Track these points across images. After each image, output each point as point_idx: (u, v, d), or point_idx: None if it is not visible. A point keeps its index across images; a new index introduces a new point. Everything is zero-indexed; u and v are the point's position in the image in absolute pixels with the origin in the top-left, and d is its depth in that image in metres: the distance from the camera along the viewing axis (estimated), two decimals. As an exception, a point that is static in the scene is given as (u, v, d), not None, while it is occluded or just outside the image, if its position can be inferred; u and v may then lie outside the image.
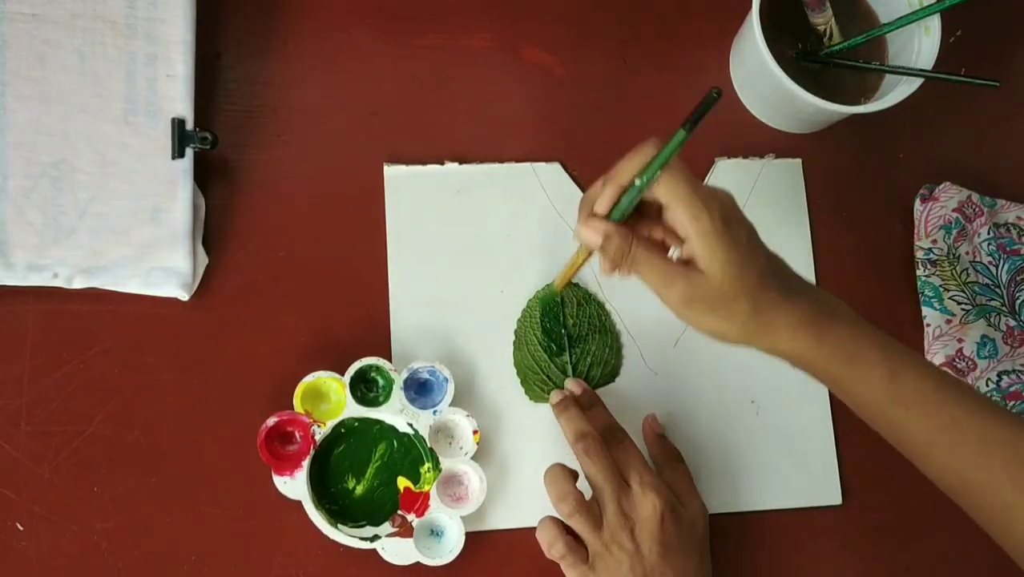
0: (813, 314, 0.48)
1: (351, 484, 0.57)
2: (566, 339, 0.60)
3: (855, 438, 0.62)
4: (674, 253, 0.50)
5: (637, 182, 0.47)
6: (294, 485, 0.54)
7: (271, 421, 0.54)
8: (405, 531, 0.55)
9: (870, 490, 0.61)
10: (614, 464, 0.53)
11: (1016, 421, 0.46)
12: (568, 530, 0.53)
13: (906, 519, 0.62)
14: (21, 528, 0.54)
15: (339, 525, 0.55)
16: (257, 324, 0.58)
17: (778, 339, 0.48)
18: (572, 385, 0.58)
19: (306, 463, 0.55)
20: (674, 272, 0.47)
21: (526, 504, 0.57)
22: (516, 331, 0.60)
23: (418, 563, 0.55)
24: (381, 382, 0.57)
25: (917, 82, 0.60)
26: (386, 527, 0.56)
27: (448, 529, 0.56)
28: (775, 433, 0.61)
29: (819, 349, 0.47)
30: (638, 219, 0.49)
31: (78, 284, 0.55)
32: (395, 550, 0.55)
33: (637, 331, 0.61)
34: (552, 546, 0.52)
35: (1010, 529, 0.45)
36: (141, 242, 0.55)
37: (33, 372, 0.55)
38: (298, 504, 0.55)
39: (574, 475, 0.54)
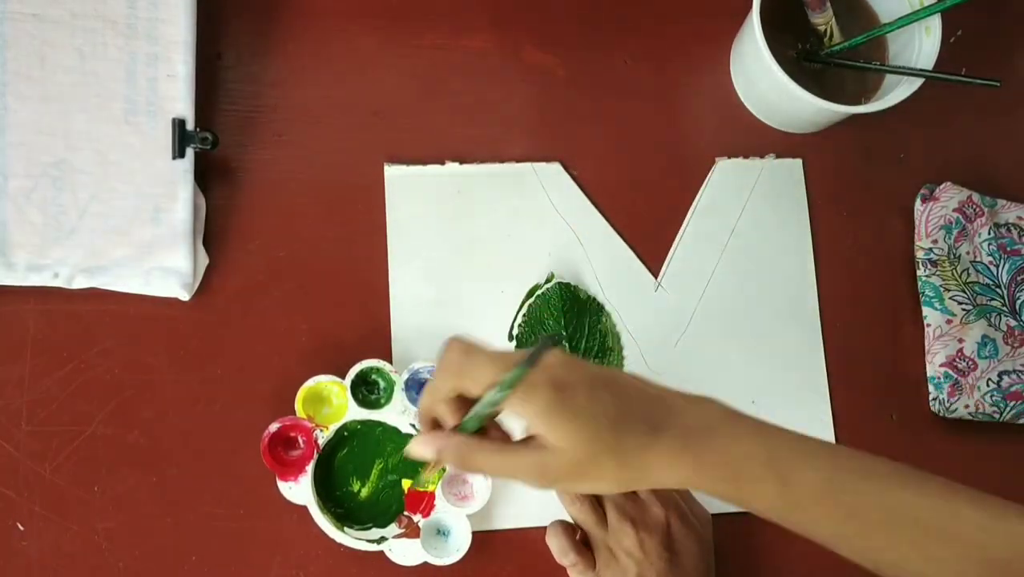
0: (683, 440, 0.44)
1: (356, 487, 0.57)
2: (565, 341, 0.60)
3: (855, 438, 0.62)
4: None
5: (479, 409, 0.43)
6: (299, 490, 0.54)
7: (274, 427, 0.54)
8: (412, 532, 0.55)
9: (870, 490, 0.61)
10: None
11: (921, 485, 0.44)
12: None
13: (906, 519, 0.62)
14: (22, 528, 0.54)
15: (345, 528, 0.55)
16: (257, 324, 0.58)
17: (659, 477, 0.44)
18: None
19: (310, 468, 0.55)
20: (523, 459, 0.43)
21: (532, 503, 0.56)
22: (517, 336, 0.60)
23: (425, 563, 0.55)
24: (382, 384, 0.57)
25: (917, 82, 0.60)
26: (392, 528, 0.56)
27: (454, 528, 0.56)
28: (775, 433, 0.61)
29: (701, 475, 0.44)
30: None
31: (79, 284, 0.55)
32: (402, 551, 0.55)
33: (637, 331, 0.61)
34: (564, 555, 0.54)
35: None
36: (141, 242, 0.55)
37: (34, 372, 0.55)
38: (299, 504, 0.55)
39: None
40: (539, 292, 0.60)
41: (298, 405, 0.55)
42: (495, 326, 0.60)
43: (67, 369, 0.55)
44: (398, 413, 0.56)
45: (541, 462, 0.43)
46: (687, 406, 0.45)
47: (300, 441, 0.56)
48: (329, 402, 0.56)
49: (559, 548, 0.54)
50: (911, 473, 0.45)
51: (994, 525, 0.42)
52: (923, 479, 0.44)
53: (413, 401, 0.56)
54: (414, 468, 0.57)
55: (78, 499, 0.54)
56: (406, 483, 0.57)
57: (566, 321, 0.60)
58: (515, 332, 0.60)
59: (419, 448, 0.45)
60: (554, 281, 0.61)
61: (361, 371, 0.56)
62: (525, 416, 0.43)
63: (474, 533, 0.55)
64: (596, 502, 0.54)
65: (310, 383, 0.55)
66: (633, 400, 0.44)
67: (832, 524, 0.44)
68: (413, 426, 0.56)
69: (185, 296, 0.56)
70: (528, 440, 0.44)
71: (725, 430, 0.45)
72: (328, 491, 0.56)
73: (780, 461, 0.44)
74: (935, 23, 0.60)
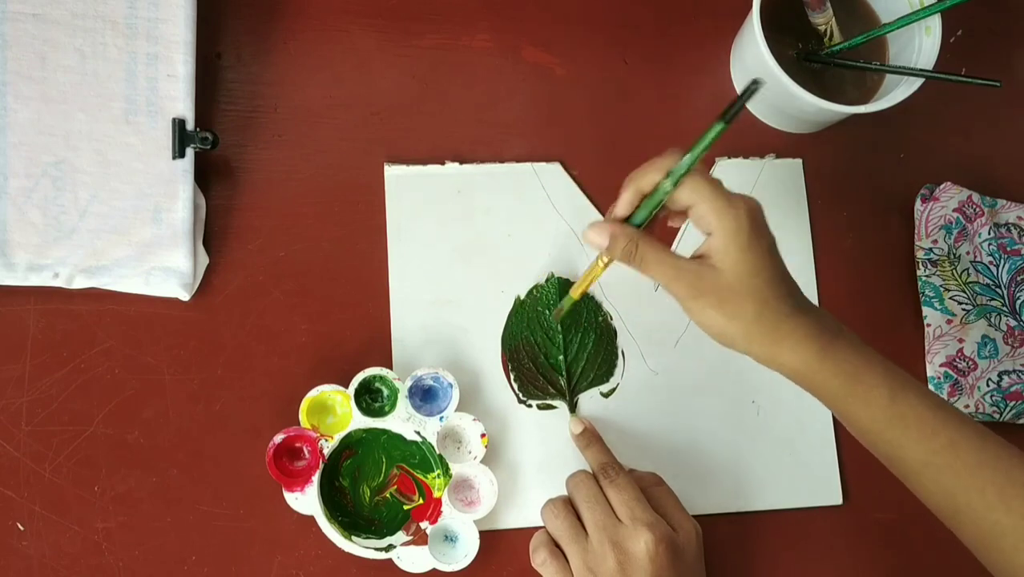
0: (818, 330, 0.48)
1: (362, 495, 0.57)
2: (561, 338, 0.60)
3: (855, 438, 0.62)
4: (678, 243, 0.51)
5: (665, 184, 0.47)
6: (305, 501, 0.54)
7: (279, 438, 0.54)
8: (420, 539, 0.55)
9: (870, 490, 0.61)
10: (604, 503, 0.52)
11: (1010, 447, 0.47)
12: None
13: (906, 519, 0.62)
14: (22, 528, 0.54)
15: (353, 537, 0.55)
16: (257, 324, 0.58)
17: (781, 349, 0.48)
18: (573, 425, 0.58)
19: (316, 478, 0.55)
20: (683, 266, 0.48)
21: (538, 502, 0.56)
22: (511, 331, 0.60)
23: (433, 570, 0.55)
24: (386, 392, 0.57)
25: (918, 82, 0.60)
26: (400, 536, 0.56)
27: (462, 534, 0.56)
28: (775, 433, 0.61)
29: (821, 364, 0.48)
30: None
31: (79, 284, 0.55)
32: (410, 558, 0.55)
33: (637, 331, 0.61)
34: (534, 552, 0.54)
35: (998, 549, 0.46)
36: (142, 242, 0.55)
37: (34, 372, 0.55)
38: (306, 514, 0.55)
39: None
40: (537, 287, 0.60)
41: (302, 416, 0.55)
42: (495, 326, 0.60)
43: (67, 369, 0.56)
44: (402, 420, 0.56)
45: (701, 277, 0.47)
46: (827, 313, 0.50)
47: (305, 451, 0.56)
48: (333, 411, 0.56)
49: (533, 544, 0.54)
50: (1010, 445, 0.48)
51: None
52: (1014, 448, 0.47)
53: (417, 408, 0.56)
54: (422, 474, 0.57)
55: (78, 499, 0.54)
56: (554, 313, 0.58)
57: (563, 318, 0.60)
58: (509, 331, 0.60)
59: (594, 235, 0.50)
60: (554, 278, 0.61)
61: (364, 379, 0.56)
62: (715, 224, 0.47)
63: (480, 533, 0.55)
64: (578, 521, 0.53)
65: (313, 393, 0.55)
66: (791, 281, 0.49)
67: (925, 452, 0.47)
68: (418, 433, 0.56)
69: (185, 296, 0.56)
70: (695, 258, 0.49)
71: (853, 340, 0.49)
72: (334, 500, 0.56)
73: (895, 377, 0.48)
74: (935, 23, 0.60)
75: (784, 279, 0.49)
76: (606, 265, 0.53)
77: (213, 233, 0.58)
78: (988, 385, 0.63)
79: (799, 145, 0.66)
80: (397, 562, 0.55)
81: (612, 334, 0.61)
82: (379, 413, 0.56)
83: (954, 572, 0.61)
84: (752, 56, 0.60)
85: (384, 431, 0.57)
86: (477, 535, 0.55)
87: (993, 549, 0.46)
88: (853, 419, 0.49)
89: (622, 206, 0.50)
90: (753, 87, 0.45)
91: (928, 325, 0.64)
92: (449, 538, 0.56)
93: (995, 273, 0.65)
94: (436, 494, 0.56)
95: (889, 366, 0.49)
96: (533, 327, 0.60)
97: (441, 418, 0.56)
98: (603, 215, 0.62)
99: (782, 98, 0.61)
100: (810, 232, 0.64)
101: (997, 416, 0.63)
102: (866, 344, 0.50)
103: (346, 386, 0.55)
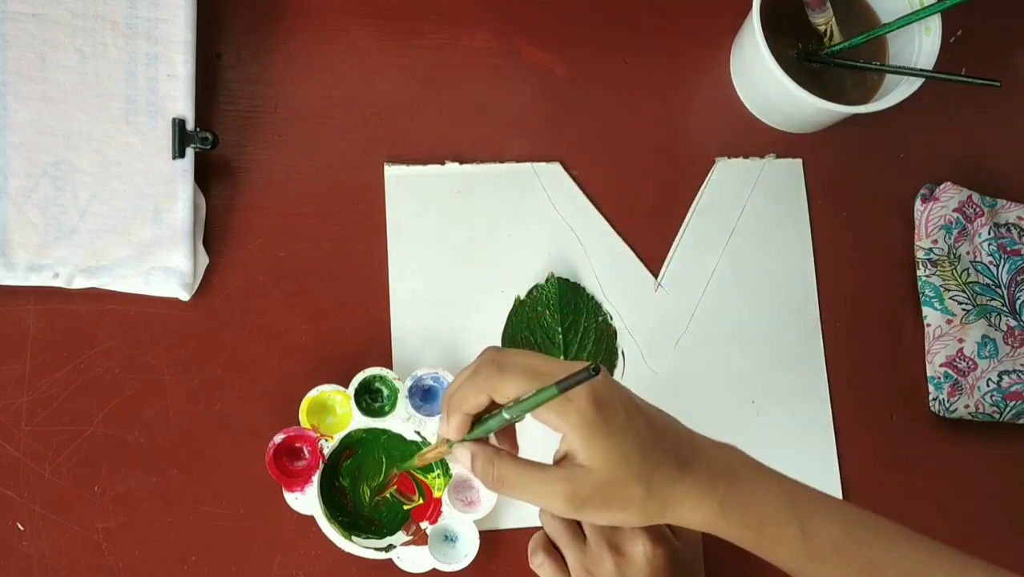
0: (712, 480, 0.44)
1: (362, 495, 0.57)
2: (561, 338, 0.60)
3: (855, 439, 0.62)
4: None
5: (506, 415, 0.44)
6: (305, 501, 0.54)
7: (279, 438, 0.54)
8: (420, 539, 0.55)
9: (870, 490, 0.61)
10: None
11: (931, 547, 0.45)
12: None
13: (906, 519, 0.61)
14: (22, 528, 0.54)
15: (353, 537, 0.55)
16: (257, 324, 0.58)
17: (682, 514, 0.44)
18: None
19: (316, 478, 0.55)
20: (552, 477, 0.44)
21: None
22: (511, 331, 0.60)
23: (433, 569, 0.55)
24: (386, 392, 0.57)
25: (918, 82, 0.60)
26: (400, 536, 0.56)
27: (462, 534, 0.56)
28: (775, 433, 0.61)
29: (726, 518, 0.45)
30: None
31: (79, 284, 0.55)
32: (410, 558, 0.55)
33: (637, 331, 0.61)
34: (532, 554, 0.53)
35: None
36: (142, 242, 0.55)
37: (34, 372, 0.55)
38: (306, 514, 0.55)
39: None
40: (537, 287, 0.60)
41: (302, 416, 0.55)
42: (495, 326, 0.60)
43: (67, 369, 0.56)
44: (402, 420, 0.56)
45: (570, 481, 0.43)
46: (713, 448, 0.46)
47: (305, 451, 0.56)
48: (333, 412, 0.56)
49: (531, 545, 0.53)
50: (921, 536, 0.46)
51: None
52: (933, 543, 0.45)
53: (417, 408, 0.56)
54: (422, 474, 0.57)
55: (78, 499, 0.54)
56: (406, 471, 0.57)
57: (563, 317, 0.60)
58: (509, 331, 0.60)
59: (461, 452, 0.46)
60: (554, 278, 0.61)
61: (364, 379, 0.56)
62: (561, 427, 0.43)
63: (480, 532, 0.55)
64: (575, 523, 0.52)
65: (313, 393, 0.55)
66: (665, 433, 0.45)
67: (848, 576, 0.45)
68: (418, 433, 0.56)
69: (185, 296, 0.56)
70: (557, 463, 0.45)
71: (749, 475, 0.45)
72: (334, 500, 0.56)
73: (801, 509, 0.45)
74: (935, 23, 0.60)
75: (658, 438, 0.44)
76: (447, 451, 0.48)
77: (213, 233, 0.58)
78: (988, 385, 0.63)
79: (799, 145, 0.66)
80: (397, 562, 0.55)
81: (612, 334, 0.61)
82: (379, 413, 0.56)
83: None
84: (752, 56, 0.60)
85: (384, 431, 0.57)
86: (477, 535, 0.55)
87: None
88: (772, 559, 0.46)
89: (453, 431, 0.46)
90: (588, 373, 0.39)
91: (928, 325, 0.64)
92: (449, 538, 0.56)
93: (995, 273, 0.65)
94: (436, 494, 0.56)
95: (795, 494, 0.45)
96: (533, 327, 0.60)
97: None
98: (603, 215, 0.62)
99: (782, 98, 0.61)
100: (810, 232, 0.64)
101: (997, 416, 0.63)
102: (766, 469, 0.46)
103: (346, 386, 0.55)
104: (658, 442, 0.44)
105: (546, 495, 0.44)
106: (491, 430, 0.45)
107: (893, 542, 0.45)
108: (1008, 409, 0.63)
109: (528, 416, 0.44)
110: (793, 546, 0.45)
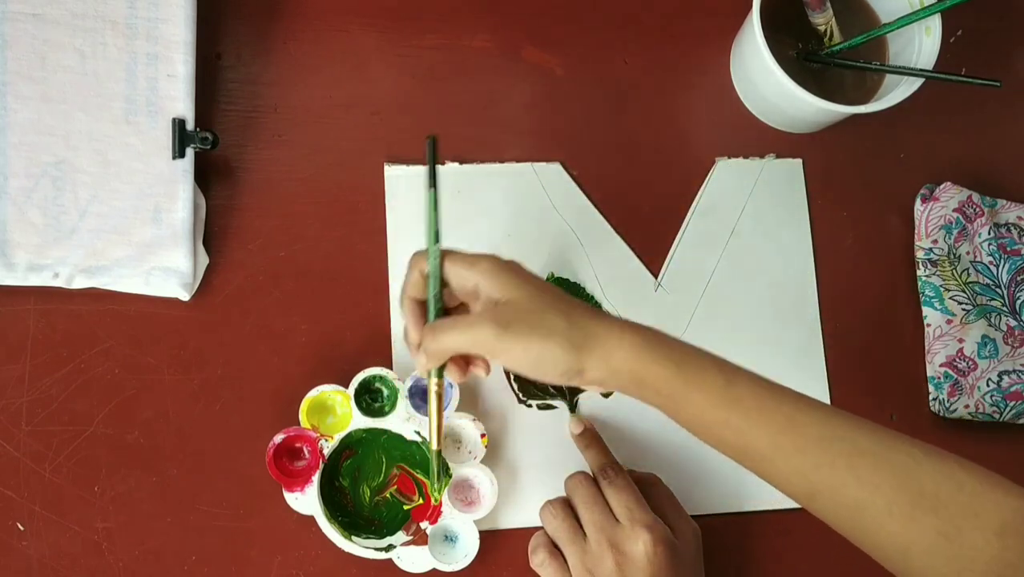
0: (634, 326, 0.46)
1: (362, 495, 0.57)
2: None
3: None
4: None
5: (426, 267, 0.48)
6: (305, 501, 0.54)
7: (279, 438, 0.54)
8: (420, 539, 0.55)
9: (870, 490, 0.61)
10: (603, 504, 0.53)
11: (855, 417, 0.45)
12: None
13: (906, 519, 0.62)
14: (22, 528, 0.54)
15: (353, 537, 0.55)
16: (257, 324, 0.58)
17: (608, 348, 0.45)
18: (573, 425, 0.58)
19: (316, 478, 0.55)
20: (476, 314, 0.47)
21: (537, 502, 0.56)
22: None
23: (433, 569, 0.55)
24: (386, 392, 0.57)
25: (918, 82, 0.60)
26: (400, 536, 0.56)
27: (462, 534, 0.56)
28: (775, 433, 0.61)
29: (653, 355, 0.45)
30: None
31: (79, 284, 0.55)
32: (410, 558, 0.55)
33: (637, 331, 0.61)
34: (533, 553, 0.54)
35: (862, 526, 0.44)
36: (142, 242, 0.55)
37: (34, 372, 0.55)
38: (306, 514, 0.55)
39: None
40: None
41: (302, 416, 0.55)
42: (495, 326, 0.60)
43: (67, 369, 0.56)
44: (402, 420, 0.56)
45: (495, 311, 0.45)
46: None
47: (305, 451, 0.56)
48: (333, 412, 0.56)
49: (531, 545, 0.54)
50: (849, 414, 0.46)
51: (927, 459, 0.43)
52: (854, 417, 0.46)
53: (417, 408, 0.56)
54: (419, 469, 0.57)
55: (78, 499, 0.54)
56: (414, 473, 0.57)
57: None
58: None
59: (410, 346, 0.49)
60: (554, 278, 0.61)
61: (364, 380, 0.56)
62: (474, 276, 0.46)
63: (480, 532, 0.55)
64: (576, 522, 0.53)
65: (313, 393, 0.55)
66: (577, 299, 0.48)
67: (769, 434, 0.45)
68: (418, 433, 0.56)
69: (185, 296, 0.56)
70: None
71: (668, 334, 0.47)
72: (334, 500, 0.56)
73: (725, 363, 0.47)
74: (935, 23, 0.60)
75: (569, 296, 0.47)
76: (438, 393, 0.50)
77: (213, 233, 0.58)
78: (988, 385, 0.63)
79: (799, 145, 0.66)
80: (397, 562, 0.55)
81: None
82: (379, 413, 0.56)
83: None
84: (752, 56, 0.60)
85: (384, 431, 0.57)
86: (477, 535, 0.55)
87: (857, 528, 0.44)
88: (692, 410, 0.46)
89: (411, 287, 0.49)
90: (431, 142, 0.45)
91: (928, 325, 0.64)
92: (449, 538, 0.56)
93: (995, 273, 0.65)
94: (434, 502, 0.56)
95: (717, 356, 0.47)
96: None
97: (441, 418, 0.56)
98: (603, 215, 0.62)
99: (782, 98, 0.61)
100: (810, 232, 0.64)
101: (997, 416, 0.63)
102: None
103: (346, 386, 0.55)
104: (571, 296, 0.47)
105: (473, 324, 0.46)
106: (432, 301, 0.48)
107: (816, 407, 0.46)
108: (1008, 409, 0.63)
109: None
110: (715, 391, 0.45)
